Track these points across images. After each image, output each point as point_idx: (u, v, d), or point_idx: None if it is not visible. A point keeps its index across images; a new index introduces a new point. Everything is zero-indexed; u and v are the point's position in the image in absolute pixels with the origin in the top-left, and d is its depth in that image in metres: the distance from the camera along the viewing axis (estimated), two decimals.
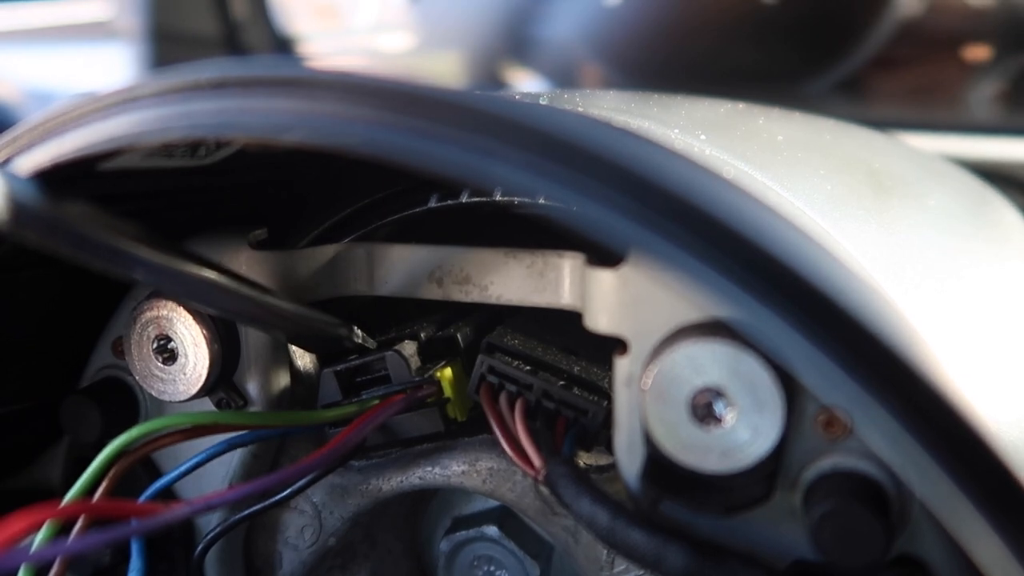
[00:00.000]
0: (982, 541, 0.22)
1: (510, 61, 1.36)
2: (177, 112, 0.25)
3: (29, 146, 0.30)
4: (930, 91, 1.04)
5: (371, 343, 0.41)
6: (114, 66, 1.40)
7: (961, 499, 0.22)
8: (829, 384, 0.22)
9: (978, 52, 1.03)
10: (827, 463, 0.31)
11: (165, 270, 0.29)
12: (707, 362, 0.31)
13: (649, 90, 0.60)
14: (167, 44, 1.32)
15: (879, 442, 0.23)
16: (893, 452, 0.23)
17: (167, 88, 0.26)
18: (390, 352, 0.40)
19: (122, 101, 0.26)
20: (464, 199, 0.44)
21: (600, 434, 0.38)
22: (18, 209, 0.24)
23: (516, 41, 1.34)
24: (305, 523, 0.45)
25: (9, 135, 0.32)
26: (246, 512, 0.41)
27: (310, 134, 0.23)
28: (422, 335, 0.42)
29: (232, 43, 1.40)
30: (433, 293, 0.41)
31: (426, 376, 0.40)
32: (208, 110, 0.24)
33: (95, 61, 1.49)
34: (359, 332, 0.41)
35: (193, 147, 0.32)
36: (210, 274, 0.31)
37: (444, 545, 0.47)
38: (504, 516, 0.46)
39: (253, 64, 0.25)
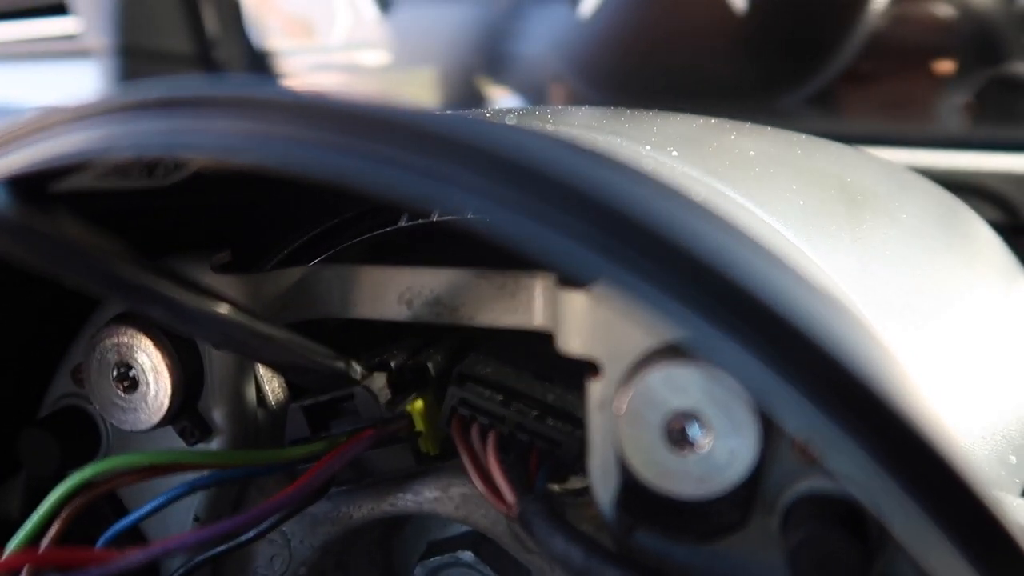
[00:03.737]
0: (954, 573, 0.21)
1: (485, 77, 1.36)
2: (124, 131, 0.24)
3: None
4: (900, 104, 1.05)
5: (362, 374, 0.40)
6: (85, 83, 1.38)
7: (932, 530, 0.21)
8: (794, 414, 0.22)
9: (946, 65, 1.04)
10: (804, 486, 0.31)
11: (145, 289, 0.28)
12: (682, 385, 0.30)
13: (623, 105, 0.60)
14: (138, 60, 1.30)
15: (847, 472, 0.23)
16: (861, 482, 0.22)
17: (113, 107, 0.25)
18: (359, 388, 0.39)
19: (68, 120, 0.25)
20: (435, 218, 0.43)
21: (575, 464, 0.37)
22: None
23: (491, 57, 1.34)
24: (275, 552, 0.44)
25: None
26: (210, 553, 0.40)
27: (261, 157, 0.22)
28: (392, 364, 0.41)
29: (205, 60, 1.39)
30: (403, 315, 0.40)
31: (396, 410, 0.39)
32: (156, 130, 0.23)
33: (65, 78, 1.47)
34: (356, 367, 0.39)
35: (150, 168, 0.31)
36: (194, 297, 0.30)
37: (419, 571, 0.46)
38: (479, 541, 0.45)
39: (204, 84, 0.24)
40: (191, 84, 0.24)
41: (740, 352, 0.21)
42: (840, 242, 0.41)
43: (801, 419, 0.21)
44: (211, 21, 1.38)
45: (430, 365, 0.42)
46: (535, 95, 1.30)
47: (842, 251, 0.39)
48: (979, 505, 0.21)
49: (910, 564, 0.30)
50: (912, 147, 0.96)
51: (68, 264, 0.26)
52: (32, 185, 0.26)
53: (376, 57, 1.49)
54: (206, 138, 0.23)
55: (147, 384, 0.39)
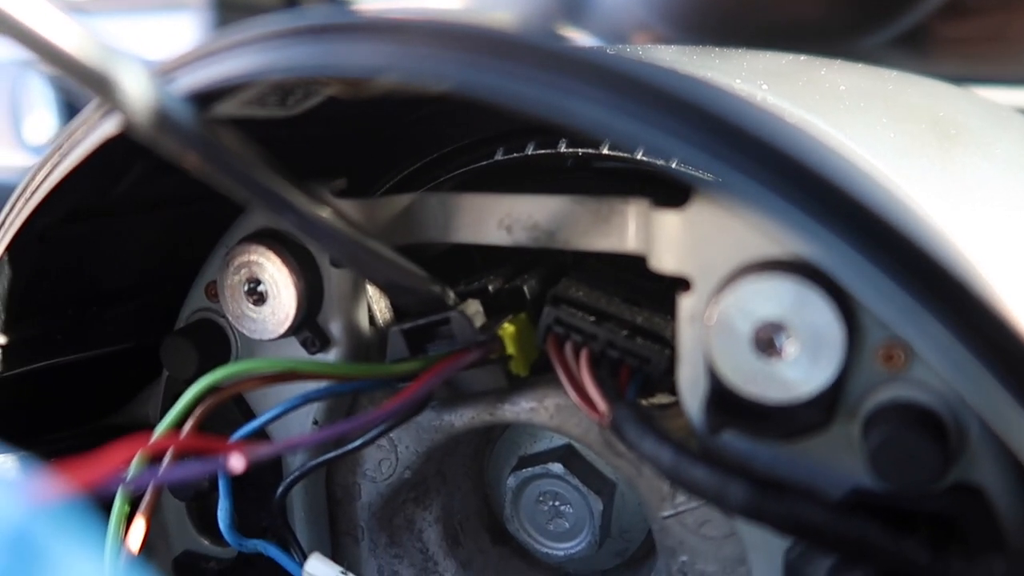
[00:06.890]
0: None
1: (564, 21, 1.36)
2: (281, 55, 0.27)
3: None
4: (1000, 41, 1.01)
5: (455, 300, 0.43)
6: (181, 36, 1.44)
7: (1019, 413, 0.23)
8: (894, 310, 0.24)
9: None
10: (886, 395, 0.33)
11: (284, 200, 0.32)
12: (770, 297, 0.32)
13: (707, 46, 0.61)
14: (232, 13, 1.35)
15: (941, 365, 0.25)
16: (955, 373, 0.24)
17: (271, 34, 0.28)
18: (455, 313, 0.41)
19: (230, 46, 0.29)
20: (529, 151, 0.46)
21: (662, 381, 0.39)
22: (162, 116, 0.26)
23: (570, 1, 1.33)
24: (383, 456, 0.48)
25: None
26: (323, 459, 0.44)
27: (406, 74, 0.25)
28: (490, 287, 0.44)
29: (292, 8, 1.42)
30: (502, 239, 0.42)
31: (489, 334, 0.42)
32: (310, 52, 0.27)
33: (163, 31, 1.54)
34: (451, 293, 0.42)
35: (283, 96, 0.34)
36: (321, 212, 0.34)
37: (511, 481, 0.49)
38: (568, 454, 0.49)
39: (345, 13, 0.27)
40: (334, 13, 0.27)
41: (849, 253, 0.23)
42: (931, 173, 0.41)
43: (900, 315, 0.23)
44: None
45: (526, 289, 0.45)
46: (616, 39, 1.30)
47: (933, 181, 0.40)
48: None
49: (989, 468, 0.32)
50: (1013, 86, 0.92)
51: (226, 171, 0.29)
52: (204, 102, 0.29)
53: (452, 1, 1.50)
54: (358, 58, 0.26)
55: (274, 298, 0.43)
